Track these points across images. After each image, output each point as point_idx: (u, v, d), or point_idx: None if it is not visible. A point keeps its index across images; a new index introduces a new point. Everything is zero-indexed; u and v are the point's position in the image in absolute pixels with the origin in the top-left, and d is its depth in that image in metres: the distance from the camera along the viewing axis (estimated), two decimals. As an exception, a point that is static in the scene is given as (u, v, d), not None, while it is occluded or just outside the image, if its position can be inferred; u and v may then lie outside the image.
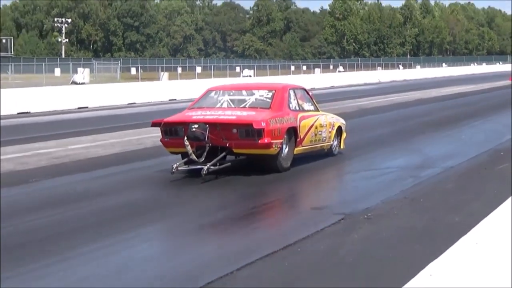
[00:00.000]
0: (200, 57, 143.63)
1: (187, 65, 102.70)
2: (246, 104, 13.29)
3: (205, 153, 12.41)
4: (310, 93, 15.18)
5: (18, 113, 28.86)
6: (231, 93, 13.70)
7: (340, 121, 15.64)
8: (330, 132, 14.76)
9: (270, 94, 13.44)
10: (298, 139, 13.31)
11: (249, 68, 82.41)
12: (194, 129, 12.28)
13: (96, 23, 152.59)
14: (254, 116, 12.59)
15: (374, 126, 22.36)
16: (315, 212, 9.85)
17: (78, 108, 32.25)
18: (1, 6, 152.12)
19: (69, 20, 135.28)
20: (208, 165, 12.13)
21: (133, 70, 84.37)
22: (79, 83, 54.48)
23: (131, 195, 11.20)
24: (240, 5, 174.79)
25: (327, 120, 14.73)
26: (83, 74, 62.87)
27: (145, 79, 56.36)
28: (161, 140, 13.19)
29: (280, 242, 8.09)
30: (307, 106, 14.37)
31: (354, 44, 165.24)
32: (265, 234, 8.94)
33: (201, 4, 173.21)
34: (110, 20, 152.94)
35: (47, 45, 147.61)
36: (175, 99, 40.84)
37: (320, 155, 14.72)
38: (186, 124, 12.53)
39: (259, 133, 12.18)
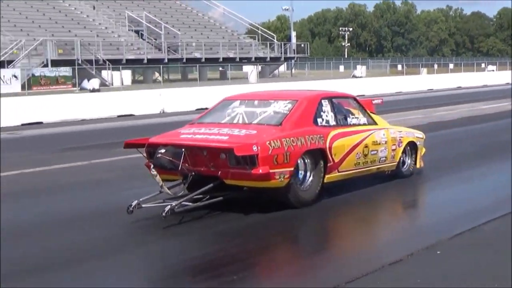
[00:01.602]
0: (452, 56, 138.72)
1: (441, 62, 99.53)
2: (256, 119, 8.14)
3: (187, 185, 7.62)
4: (379, 101, 10.78)
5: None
6: (250, 104, 8.51)
7: (414, 135, 10.12)
8: (394, 150, 9.44)
9: (290, 105, 8.19)
10: (329, 164, 8.14)
11: (492, 64, 78.79)
12: (159, 155, 7.49)
13: (371, 30, 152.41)
14: (248, 138, 7.48)
15: None
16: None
17: (357, 95, 32.43)
18: (299, 20, 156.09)
19: (351, 29, 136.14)
20: (175, 203, 7.13)
21: (399, 67, 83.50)
22: (358, 77, 55.33)
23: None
24: (485, 14, 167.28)
25: (388, 136, 9.36)
26: (361, 70, 63.76)
27: (408, 74, 55.65)
28: (146, 165, 8.05)
29: (466, 224, 7.11)
30: (354, 119, 9.00)
31: None
32: (455, 215, 7.70)
33: (453, 14, 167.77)
34: (382, 28, 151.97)
35: (334, 48, 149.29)
36: (432, 89, 40.11)
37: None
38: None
39: (252, 160, 7.21)
